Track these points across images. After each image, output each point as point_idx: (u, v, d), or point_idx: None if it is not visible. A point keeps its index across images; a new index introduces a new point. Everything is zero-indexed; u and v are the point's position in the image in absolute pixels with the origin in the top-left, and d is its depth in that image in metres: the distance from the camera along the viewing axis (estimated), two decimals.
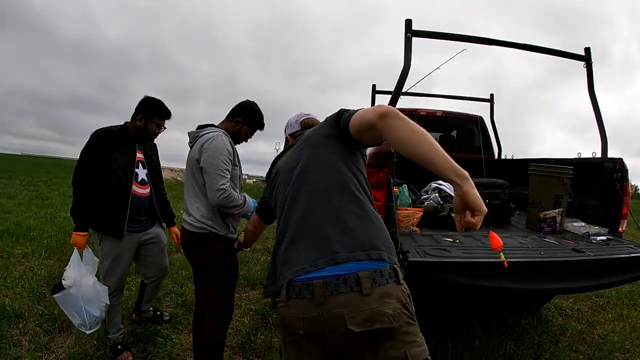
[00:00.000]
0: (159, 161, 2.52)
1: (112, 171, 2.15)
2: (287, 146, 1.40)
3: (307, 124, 1.58)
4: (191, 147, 1.93)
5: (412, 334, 1.00)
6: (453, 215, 2.25)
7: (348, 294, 0.96)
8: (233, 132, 1.99)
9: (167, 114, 2.28)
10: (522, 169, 3.07)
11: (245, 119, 2.00)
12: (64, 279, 2.10)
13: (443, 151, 0.93)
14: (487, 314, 3.11)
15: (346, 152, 1.15)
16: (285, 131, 1.65)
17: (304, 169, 1.16)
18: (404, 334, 0.98)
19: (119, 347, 2.28)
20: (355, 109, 1.11)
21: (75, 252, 2.17)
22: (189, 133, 1.99)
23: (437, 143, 0.94)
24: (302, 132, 1.47)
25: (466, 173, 0.92)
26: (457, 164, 0.92)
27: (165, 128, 2.33)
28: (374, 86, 5.26)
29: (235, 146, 1.98)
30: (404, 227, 2.14)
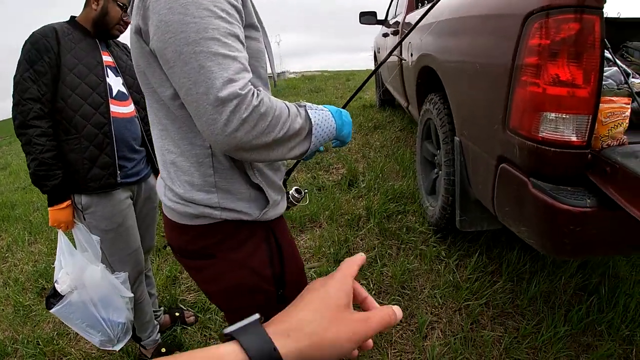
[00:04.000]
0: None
1: (73, 87, 1.39)
2: None
3: None
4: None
5: None
6: None
7: None
8: None
9: None
10: None
11: None
12: (56, 282, 1.41)
13: None
14: None
15: None
16: None
17: None
18: None
19: (164, 349, 1.67)
20: None
21: (62, 237, 1.47)
22: None
23: None
24: None
25: None
26: None
27: (128, 16, 1.45)
28: None
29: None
30: (608, 138, 1.11)
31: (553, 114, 1.05)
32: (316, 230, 2.67)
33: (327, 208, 2.84)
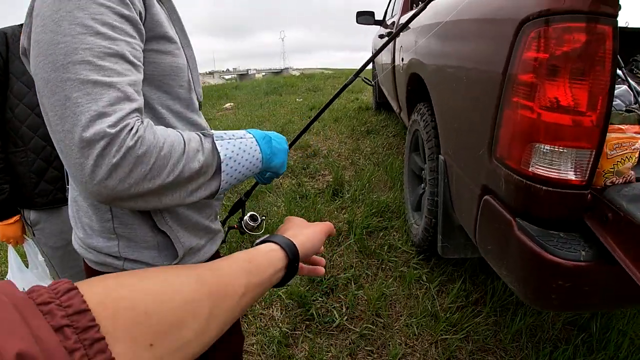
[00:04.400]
0: None
1: (20, 96, 1.32)
2: None
3: None
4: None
5: None
6: None
7: None
8: None
9: None
10: None
11: None
12: None
13: None
14: None
15: None
16: None
17: None
18: None
19: None
20: None
21: (11, 253, 1.43)
22: None
23: None
24: None
25: None
26: None
27: None
28: None
29: None
30: (612, 175, 0.93)
31: (548, 146, 0.87)
32: None
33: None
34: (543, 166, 0.90)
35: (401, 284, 2.01)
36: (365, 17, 4.40)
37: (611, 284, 0.91)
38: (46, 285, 0.27)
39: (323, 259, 0.68)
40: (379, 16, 4.47)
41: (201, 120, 0.75)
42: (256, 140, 0.68)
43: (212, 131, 0.64)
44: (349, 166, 3.65)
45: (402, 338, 1.71)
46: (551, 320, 1.77)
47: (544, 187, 0.90)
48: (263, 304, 1.98)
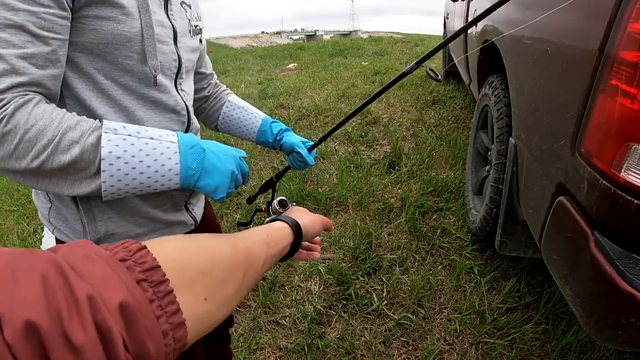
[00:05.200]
0: None
1: None
2: None
3: None
4: None
5: None
6: None
7: None
8: None
9: None
10: None
11: None
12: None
13: None
14: None
15: None
16: None
17: None
18: None
19: None
20: None
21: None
22: None
23: None
24: None
25: None
26: None
27: None
28: None
29: None
30: None
31: None
32: (341, 216, 2.41)
33: (359, 192, 2.56)
34: (638, 173, 0.70)
35: (450, 274, 1.87)
36: None
37: None
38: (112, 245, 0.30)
39: (318, 245, 0.74)
40: None
41: (165, 96, 0.66)
42: (179, 148, 0.57)
43: (112, 123, 0.55)
44: (409, 137, 3.43)
45: (442, 333, 1.59)
46: None
47: (635, 200, 0.70)
48: (302, 275, 1.95)
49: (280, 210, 0.97)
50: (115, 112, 0.61)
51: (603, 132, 0.74)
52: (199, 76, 0.98)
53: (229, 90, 1.08)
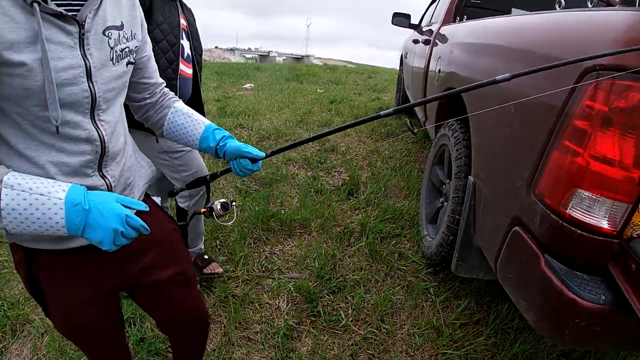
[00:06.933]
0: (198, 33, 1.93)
1: (156, 41, 1.57)
2: None
3: None
4: None
5: None
6: None
7: None
8: None
9: None
10: None
11: None
12: None
13: None
14: None
15: None
16: None
17: None
18: None
19: (206, 256, 2.07)
20: None
21: None
22: None
23: None
24: None
25: None
26: None
27: None
28: None
29: None
30: None
31: (589, 194, 0.90)
32: (304, 238, 2.54)
33: (321, 216, 2.71)
34: (580, 210, 0.93)
35: (408, 294, 2.06)
36: (401, 18, 4.38)
37: (624, 330, 0.94)
38: None
39: None
40: (415, 19, 4.45)
41: (77, 131, 0.75)
42: (64, 205, 0.70)
43: (12, 179, 0.68)
44: (366, 167, 3.68)
45: (404, 347, 1.76)
46: (548, 350, 1.81)
47: (577, 231, 0.93)
48: (271, 293, 2.03)
49: (221, 213, 1.09)
50: (35, 148, 0.73)
51: (555, 179, 0.97)
52: (142, 86, 1.00)
53: (177, 98, 1.09)
